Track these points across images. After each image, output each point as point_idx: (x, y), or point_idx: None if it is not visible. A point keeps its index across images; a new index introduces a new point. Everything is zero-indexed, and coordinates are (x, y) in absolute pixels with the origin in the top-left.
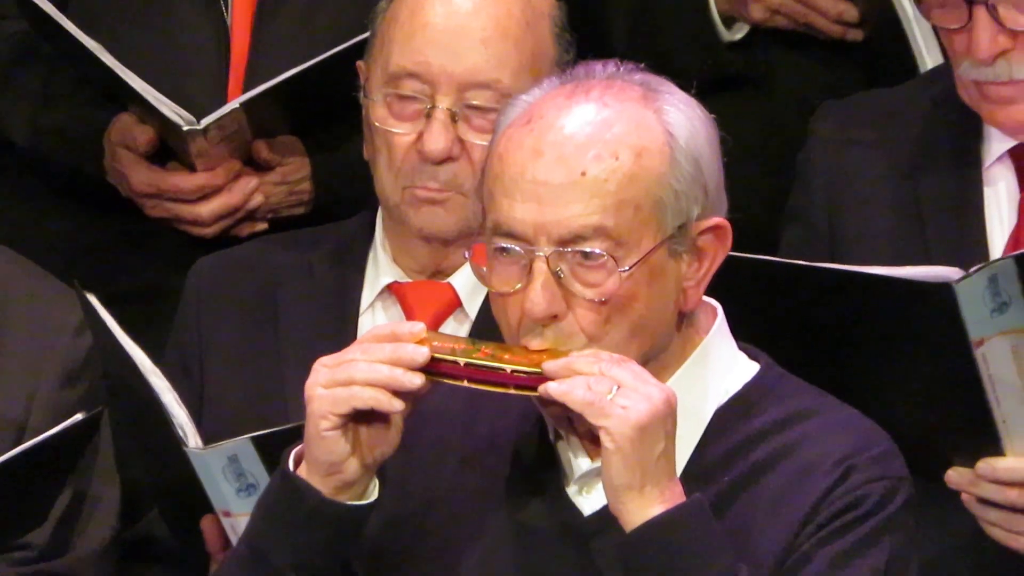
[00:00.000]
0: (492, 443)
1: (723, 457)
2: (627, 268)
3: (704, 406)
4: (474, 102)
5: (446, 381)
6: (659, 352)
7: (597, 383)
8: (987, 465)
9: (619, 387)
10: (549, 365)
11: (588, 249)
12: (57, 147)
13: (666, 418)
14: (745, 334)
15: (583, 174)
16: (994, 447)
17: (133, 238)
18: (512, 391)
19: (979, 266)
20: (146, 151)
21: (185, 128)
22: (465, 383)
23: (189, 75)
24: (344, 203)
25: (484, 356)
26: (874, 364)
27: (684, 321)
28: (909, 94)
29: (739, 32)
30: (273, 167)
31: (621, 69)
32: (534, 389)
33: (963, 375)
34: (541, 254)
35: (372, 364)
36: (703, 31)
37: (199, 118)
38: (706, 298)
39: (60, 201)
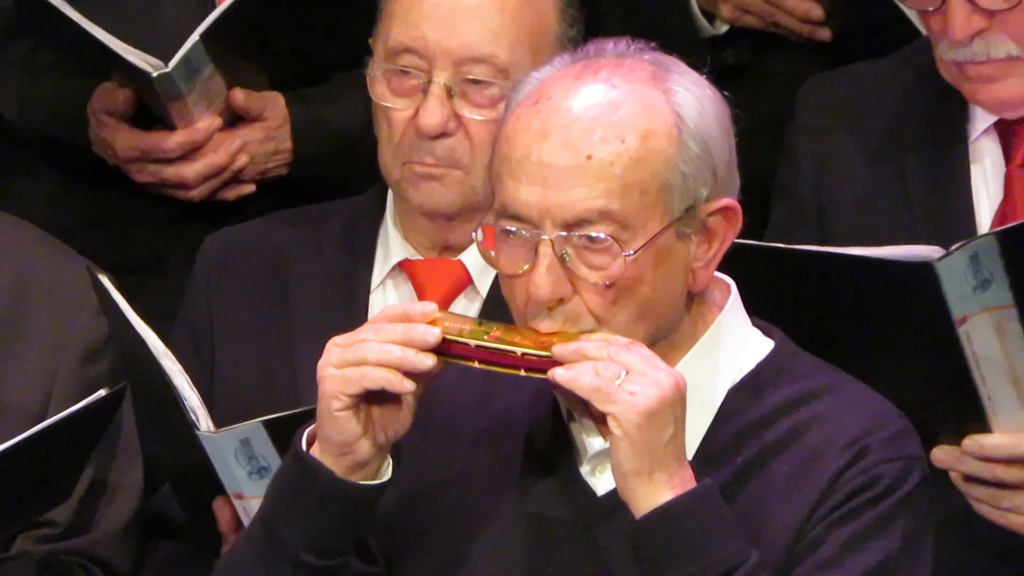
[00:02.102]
0: (505, 422)
1: (736, 437)
2: (632, 252)
3: (717, 385)
4: (470, 77)
5: (458, 362)
6: (668, 332)
7: (605, 368)
8: (973, 442)
9: (627, 372)
10: (559, 349)
11: (593, 233)
12: (44, 120)
13: (675, 403)
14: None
15: (588, 157)
16: (980, 424)
17: (126, 210)
18: (523, 373)
19: (960, 244)
20: (125, 113)
21: (154, 74)
22: (476, 364)
23: (170, 36)
24: (324, 161)
25: (495, 339)
26: (859, 344)
27: (695, 301)
28: (893, 68)
29: (723, 27)
30: (253, 119)
31: (632, 47)
32: (544, 372)
33: (947, 353)
34: (546, 238)
35: (384, 344)
36: (687, 26)
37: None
38: (720, 275)
39: (54, 174)
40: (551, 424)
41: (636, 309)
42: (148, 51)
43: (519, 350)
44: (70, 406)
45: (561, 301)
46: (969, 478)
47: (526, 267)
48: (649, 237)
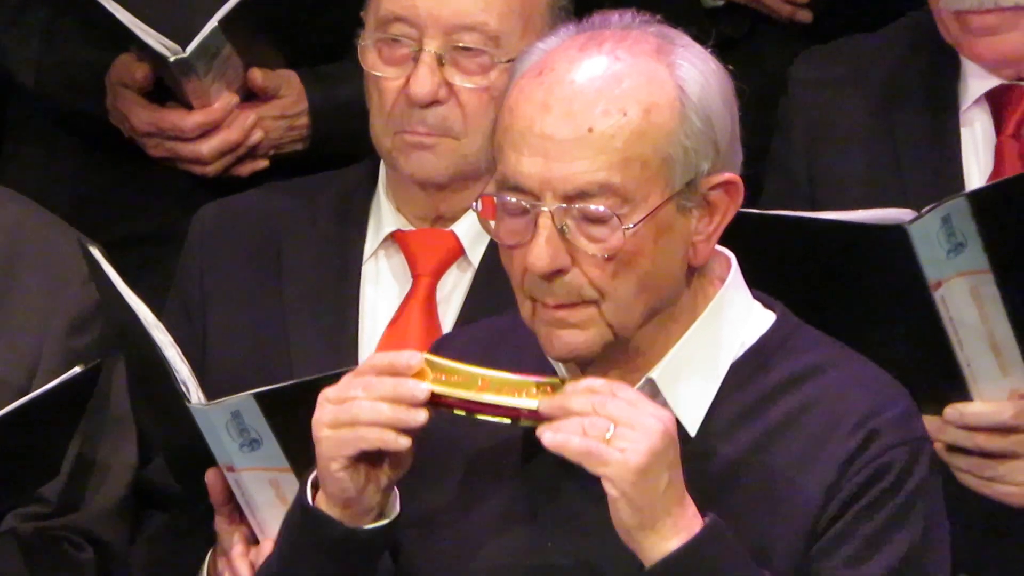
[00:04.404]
0: None
1: (739, 414)
2: (632, 225)
3: (720, 360)
4: (461, 44)
5: (448, 411)
6: (667, 305)
7: (592, 426)
8: (954, 411)
9: (616, 425)
10: (544, 405)
11: (593, 206)
12: (61, 88)
13: (667, 450)
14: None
15: (590, 130)
16: (960, 392)
17: (139, 181)
18: (511, 422)
19: (931, 206)
20: (142, 87)
21: (172, 59)
22: (466, 414)
23: (189, 12)
24: (342, 140)
25: (483, 389)
26: (842, 313)
27: (696, 274)
28: (887, 38)
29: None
30: (270, 97)
31: (637, 20)
32: (531, 421)
33: (924, 319)
34: (546, 209)
35: (375, 404)
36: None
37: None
38: (720, 248)
39: (66, 144)
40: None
41: (636, 282)
42: (167, 26)
43: (506, 402)
44: (56, 377)
45: (560, 273)
46: (952, 448)
47: (526, 238)
48: (649, 210)
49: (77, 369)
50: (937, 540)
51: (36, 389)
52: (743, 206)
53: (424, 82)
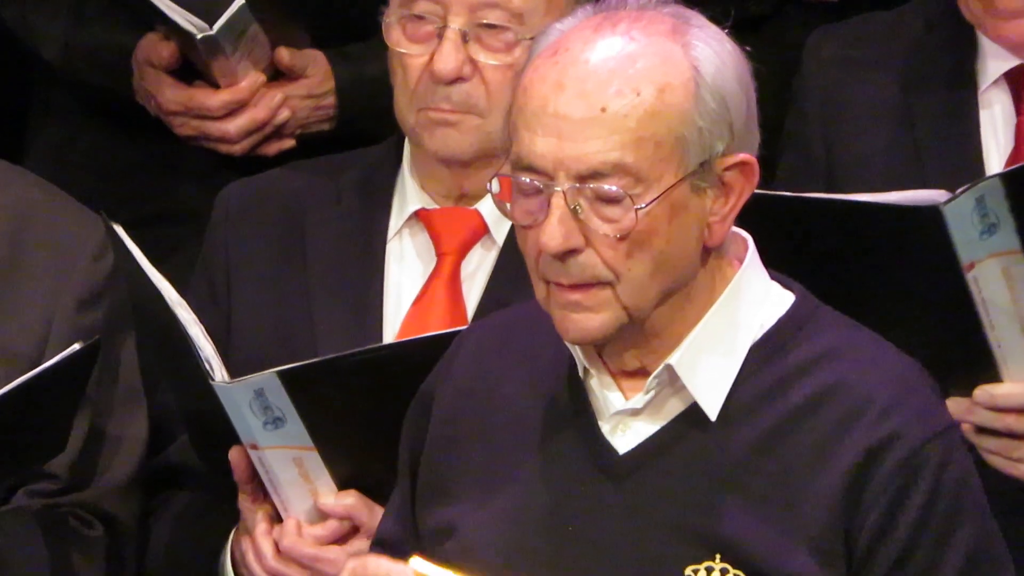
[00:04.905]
0: (525, 384)
1: (760, 397)
2: (644, 205)
3: (739, 342)
4: (485, 21)
5: None
6: (683, 287)
7: None
8: (984, 392)
9: None
10: None
11: (606, 186)
12: (88, 67)
13: None
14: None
15: (603, 110)
16: (990, 373)
17: (163, 160)
18: None
19: (965, 187)
20: (169, 66)
21: (199, 36)
22: None
23: None
24: (369, 119)
25: None
26: (867, 294)
27: (712, 255)
28: (902, 18)
29: None
30: (297, 76)
31: (653, 0)
32: None
33: (956, 300)
34: (559, 189)
35: None
36: None
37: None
38: (736, 229)
39: (91, 122)
40: (569, 384)
41: (651, 262)
42: (194, 5)
43: None
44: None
45: (574, 253)
46: (981, 429)
47: (540, 219)
48: (663, 190)
49: (76, 346)
50: (993, 527)
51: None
52: (770, 188)
53: (448, 59)
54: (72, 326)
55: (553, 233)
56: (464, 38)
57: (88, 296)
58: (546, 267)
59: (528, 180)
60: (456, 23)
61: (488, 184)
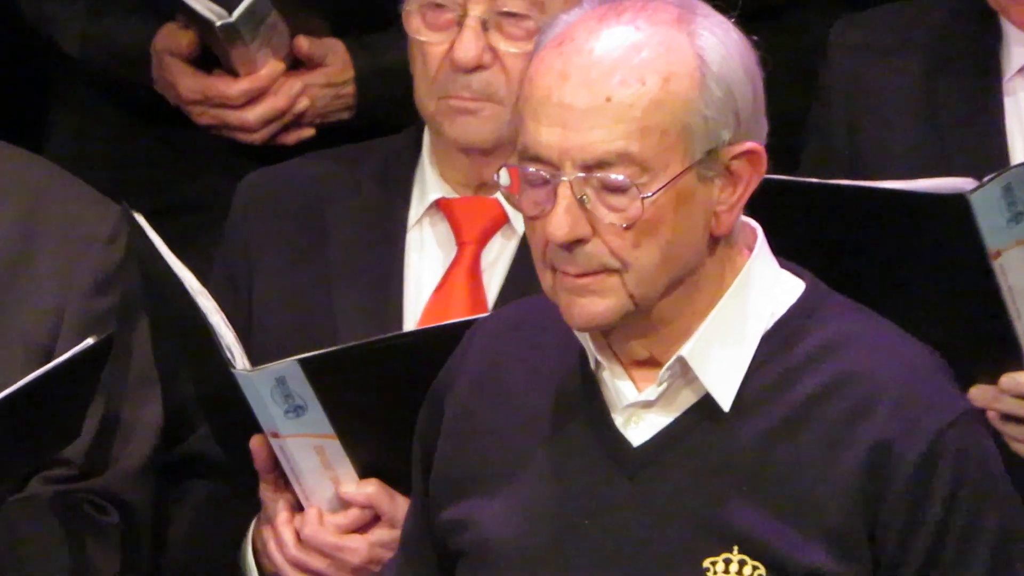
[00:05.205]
0: (535, 375)
1: (772, 386)
2: (651, 194)
3: (750, 332)
4: (505, 9)
5: None
6: (690, 275)
7: None
8: (1010, 379)
9: None
10: None
11: (612, 176)
12: (106, 57)
13: None
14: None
15: (608, 99)
16: (1016, 361)
17: (181, 150)
18: None
19: (993, 175)
20: (188, 55)
21: (218, 23)
22: None
23: None
24: (388, 108)
25: None
26: (891, 281)
27: (720, 244)
28: (926, 7)
29: None
30: (316, 65)
31: None
32: None
33: (982, 288)
34: (565, 179)
35: None
36: None
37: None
38: (745, 219)
39: (109, 111)
40: (580, 376)
41: (658, 251)
42: None
43: None
44: (79, 338)
45: (581, 243)
46: (1006, 417)
47: (547, 209)
48: (669, 179)
49: (90, 340)
50: (1020, 506)
51: (60, 349)
52: (789, 175)
53: (469, 47)
54: (85, 311)
55: (560, 223)
56: (484, 26)
57: (101, 281)
58: (553, 256)
59: (534, 170)
60: (476, 11)
61: (495, 175)
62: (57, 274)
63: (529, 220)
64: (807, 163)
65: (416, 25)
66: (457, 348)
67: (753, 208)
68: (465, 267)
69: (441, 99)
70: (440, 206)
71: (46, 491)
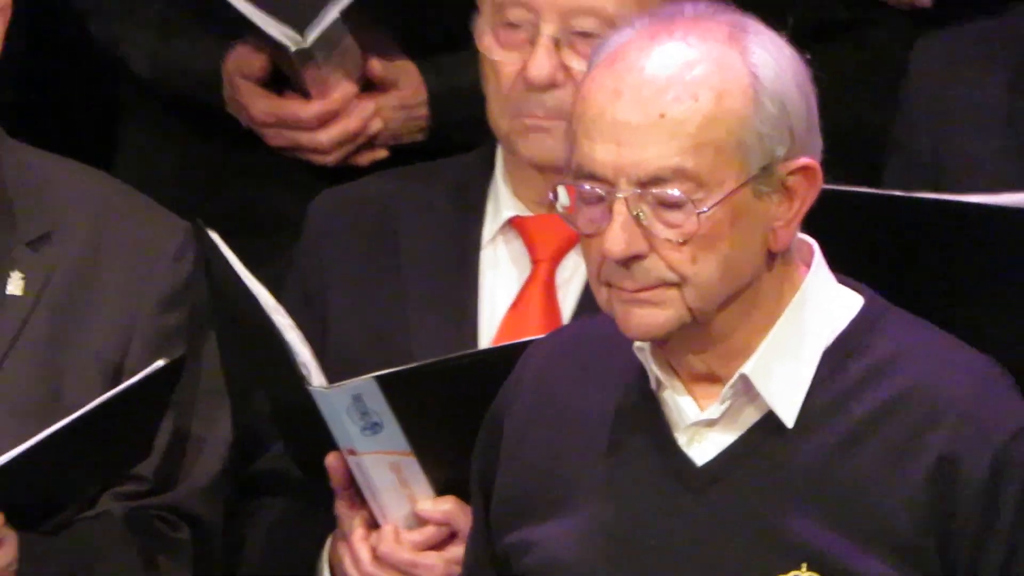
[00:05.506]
0: (597, 398)
1: (835, 402)
2: (707, 209)
3: (811, 348)
4: (579, 28)
5: None
6: (747, 289)
7: None
8: None
9: None
10: None
11: (668, 191)
12: (177, 79)
13: None
14: (842, 270)
15: (662, 116)
16: None
17: (252, 170)
18: None
19: None
20: (261, 78)
21: (293, 48)
22: None
23: (309, 2)
24: (461, 129)
25: None
26: (977, 300)
27: (778, 260)
28: (1008, 20)
29: None
30: (389, 87)
31: (710, 8)
32: None
33: None
34: (621, 196)
35: None
36: None
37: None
38: (802, 235)
39: (179, 131)
40: (641, 396)
41: (716, 266)
42: (284, 15)
43: None
44: (149, 354)
45: (637, 259)
46: None
47: (603, 226)
48: (724, 195)
49: (161, 361)
50: None
51: (129, 365)
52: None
53: (542, 65)
54: (154, 327)
55: (616, 239)
56: (557, 44)
57: (169, 297)
58: (610, 273)
59: (589, 188)
60: (549, 30)
61: (550, 194)
62: (126, 290)
63: (585, 238)
64: (890, 178)
65: (489, 44)
66: (512, 372)
67: (829, 220)
68: (540, 285)
69: (515, 117)
70: (514, 224)
71: (118, 508)
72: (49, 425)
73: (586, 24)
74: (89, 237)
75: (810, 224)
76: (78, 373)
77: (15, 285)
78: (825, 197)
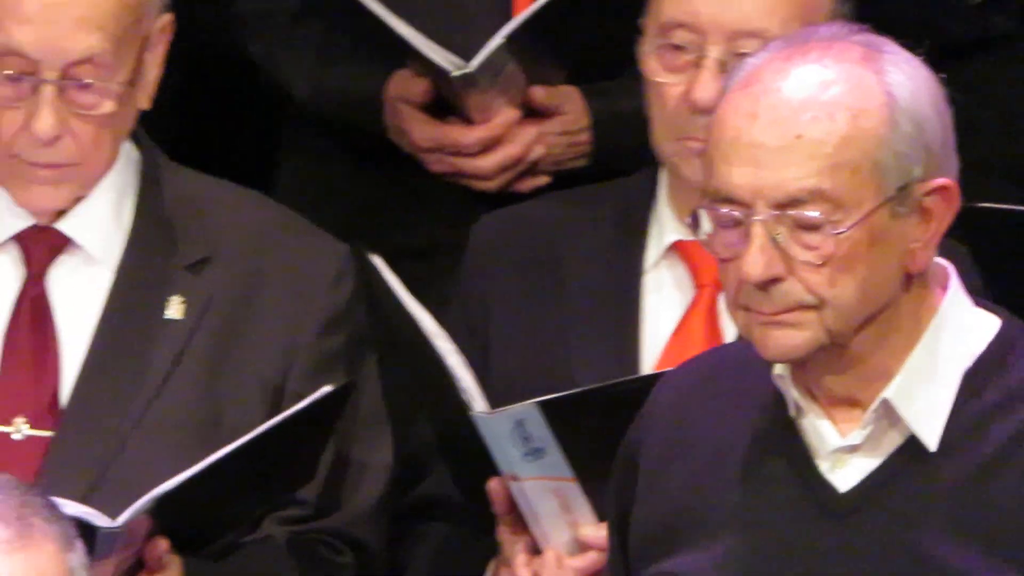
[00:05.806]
0: (733, 426)
1: (976, 425)
2: (844, 230)
3: (952, 371)
4: (744, 51)
5: None
6: (885, 312)
7: None
8: None
9: None
10: None
11: (806, 213)
12: (337, 104)
13: None
14: (993, 291)
15: (798, 137)
16: None
17: (415, 194)
18: None
19: None
20: (422, 103)
21: (455, 73)
22: None
23: (470, 26)
24: (624, 155)
25: None
26: None
27: (915, 283)
28: None
29: None
30: (551, 114)
31: (843, 30)
32: None
33: None
34: (758, 218)
35: None
36: None
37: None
38: (937, 259)
39: (340, 155)
40: (780, 423)
41: (854, 288)
42: (446, 40)
43: None
44: (310, 377)
45: (776, 281)
46: None
47: (740, 250)
48: (862, 215)
49: (328, 388)
50: None
51: (290, 388)
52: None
53: (708, 88)
54: (314, 350)
55: (755, 262)
56: (722, 68)
57: (330, 321)
58: (748, 297)
59: (726, 211)
60: (714, 52)
61: (687, 220)
62: (286, 313)
63: (721, 263)
64: None
65: (654, 67)
66: (644, 404)
67: (983, 240)
68: (703, 310)
69: (679, 140)
70: (677, 248)
71: (281, 532)
72: (211, 448)
73: (751, 46)
74: (249, 261)
75: (965, 242)
76: (239, 397)
77: (175, 309)
78: (981, 215)
